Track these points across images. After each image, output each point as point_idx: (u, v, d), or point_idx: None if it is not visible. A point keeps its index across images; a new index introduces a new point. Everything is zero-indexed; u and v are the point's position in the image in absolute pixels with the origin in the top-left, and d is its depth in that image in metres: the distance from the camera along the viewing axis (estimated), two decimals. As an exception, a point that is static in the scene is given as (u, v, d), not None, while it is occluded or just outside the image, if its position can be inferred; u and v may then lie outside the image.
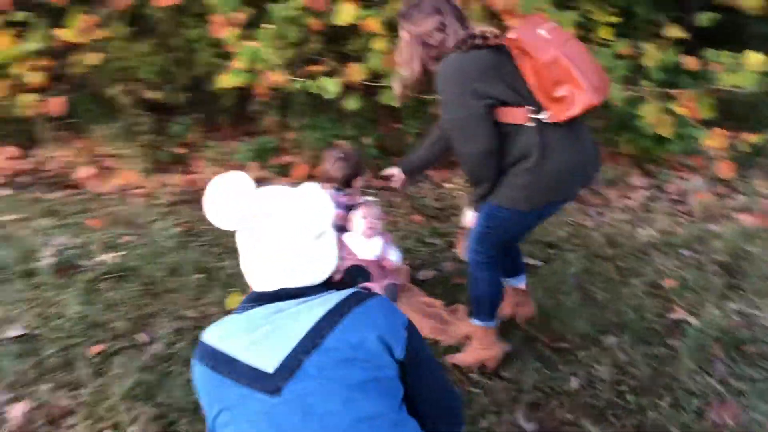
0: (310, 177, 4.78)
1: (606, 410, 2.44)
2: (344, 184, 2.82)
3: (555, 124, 2.21)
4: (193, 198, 4.45)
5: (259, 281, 1.46)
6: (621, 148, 4.84)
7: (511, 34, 2.19)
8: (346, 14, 3.98)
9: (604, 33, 4.10)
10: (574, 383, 2.58)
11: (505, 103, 2.22)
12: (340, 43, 4.69)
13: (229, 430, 1.30)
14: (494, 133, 2.22)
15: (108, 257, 3.54)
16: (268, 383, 1.28)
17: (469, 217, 2.53)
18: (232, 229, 1.48)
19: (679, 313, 3.06)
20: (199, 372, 1.38)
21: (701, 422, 2.38)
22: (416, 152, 2.83)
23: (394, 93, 2.60)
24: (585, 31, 4.03)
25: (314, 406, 1.27)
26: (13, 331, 2.84)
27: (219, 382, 1.32)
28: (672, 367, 2.67)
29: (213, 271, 3.42)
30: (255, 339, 1.33)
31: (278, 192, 1.50)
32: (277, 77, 4.12)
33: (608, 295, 3.22)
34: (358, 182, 2.85)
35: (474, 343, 2.70)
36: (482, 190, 2.34)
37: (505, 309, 2.96)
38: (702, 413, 2.41)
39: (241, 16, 4.10)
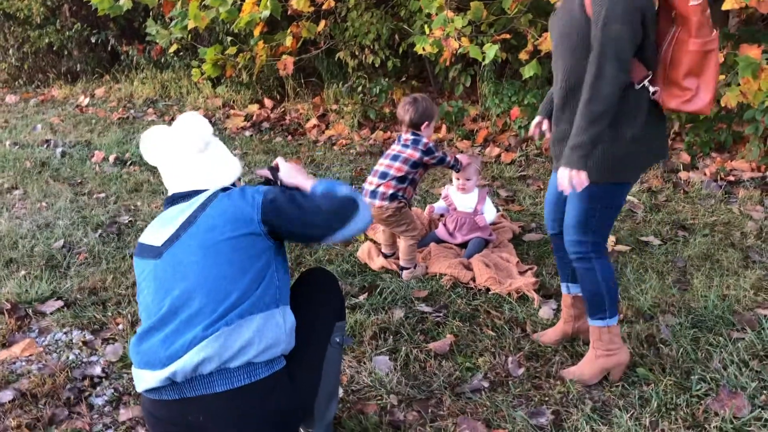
0: (491, 142, 5.01)
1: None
2: (412, 126, 3.07)
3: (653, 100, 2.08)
4: (378, 151, 5.02)
5: (169, 187, 1.93)
6: None
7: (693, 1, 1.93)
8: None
9: None
10: (593, 348, 2.53)
11: (640, 50, 2.01)
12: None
13: (140, 290, 1.83)
14: None
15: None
16: (155, 252, 1.79)
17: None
18: (152, 163, 1.94)
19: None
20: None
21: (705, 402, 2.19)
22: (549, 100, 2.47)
23: None
24: None
25: (182, 260, 1.75)
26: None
27: (136, 263, 1.86)
28: (715, 355, 2.44)
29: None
30: (159, 228, 1.83)
31: (163, 130, 1.93)
32: (455, 44, 4.43)
33: (706, 282, 2.95)
34: (427, 127, 3.07)
35: (597, 351, 2.33)
36: (600, 129, 1.96)
37: (564, 327, 2.59)
38: (703, 399, 2.20)
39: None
